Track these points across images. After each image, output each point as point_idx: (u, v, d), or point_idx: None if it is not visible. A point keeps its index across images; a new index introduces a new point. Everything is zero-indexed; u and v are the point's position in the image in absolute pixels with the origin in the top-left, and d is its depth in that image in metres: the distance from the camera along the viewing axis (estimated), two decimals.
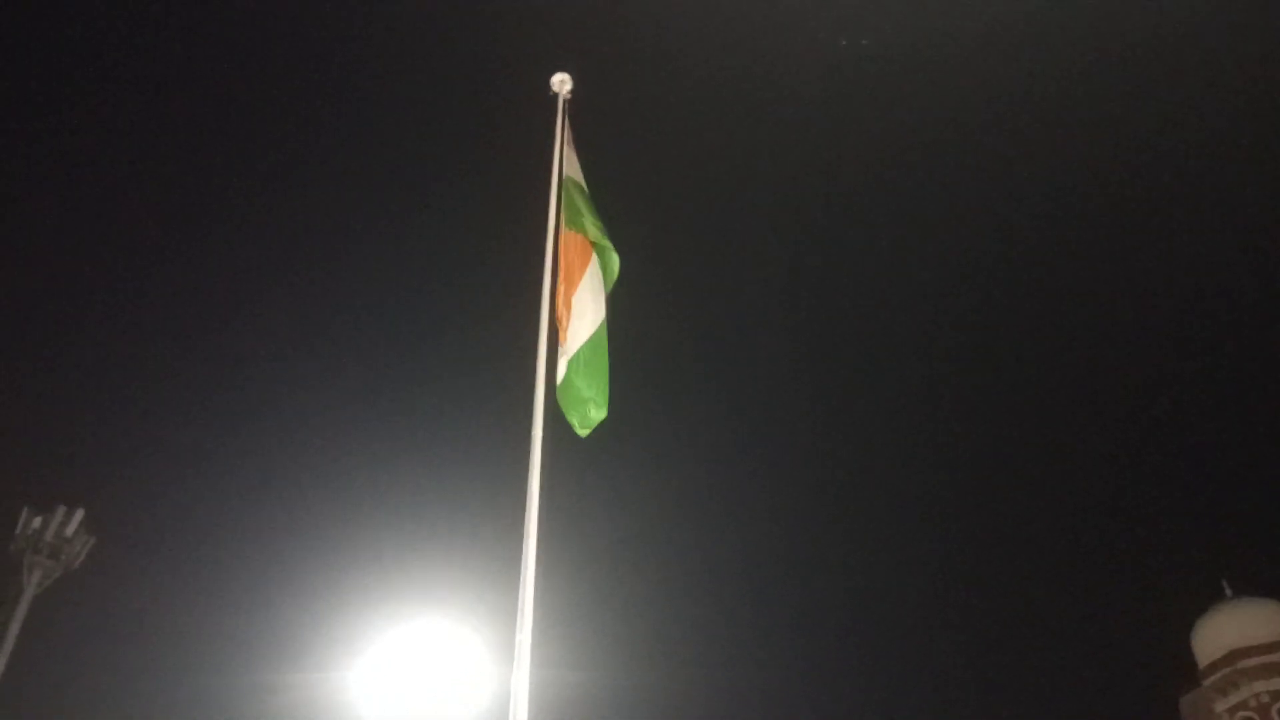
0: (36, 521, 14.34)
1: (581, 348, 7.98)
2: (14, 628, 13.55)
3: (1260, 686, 44.78)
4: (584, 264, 8.35)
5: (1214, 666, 46.55)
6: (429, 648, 12.13)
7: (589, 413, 7.91)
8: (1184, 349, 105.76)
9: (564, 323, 8.05)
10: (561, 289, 8.20)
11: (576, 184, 8.79)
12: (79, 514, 14.90)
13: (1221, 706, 46.09)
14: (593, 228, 8.53)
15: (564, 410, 7.87)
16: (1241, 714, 45.36)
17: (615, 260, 8.44)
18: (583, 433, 7.91)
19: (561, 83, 9.77)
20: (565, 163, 8.90)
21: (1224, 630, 47.21)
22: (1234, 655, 45.74)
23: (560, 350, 7.99)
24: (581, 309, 8.13)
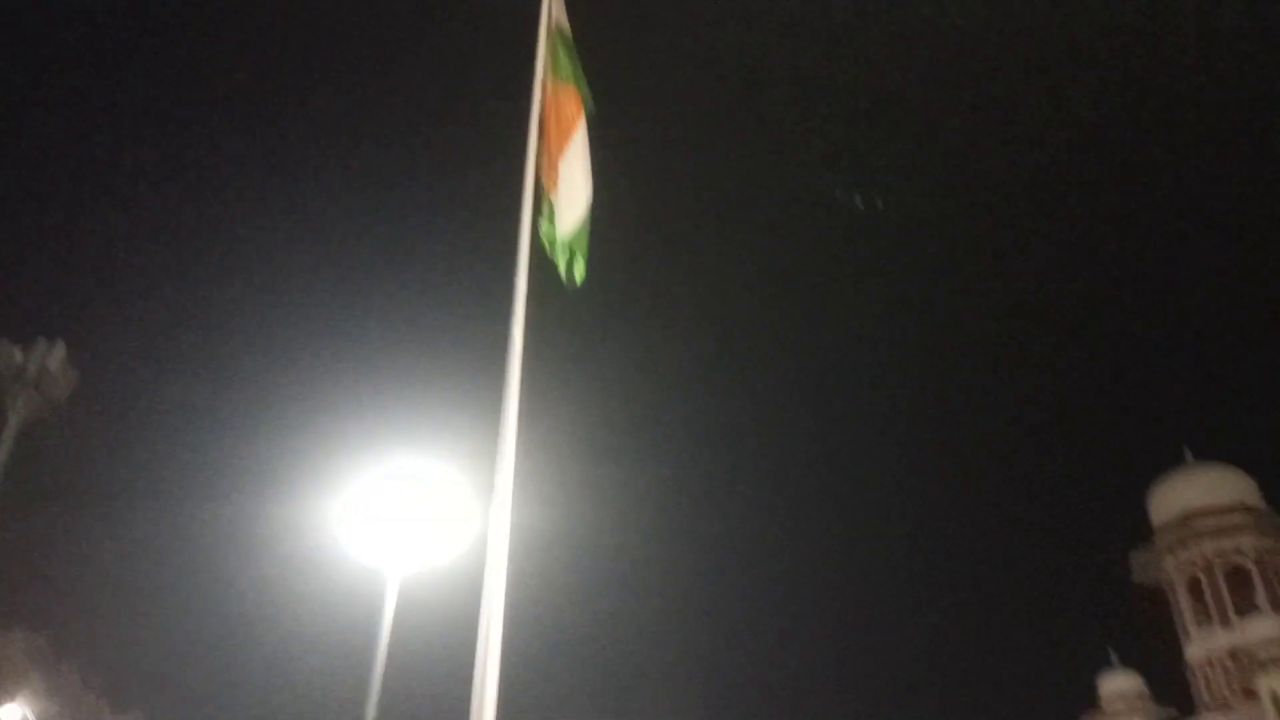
0: (18, 353, 14.15)
1: (569, 208, 7.89)
2: (1, 456, 13.47)
3: (1209, 546, 46.77)
4: (576, 118, 8.16)
5: (1167, 527, 48.48)
6: (413, 484, 12.41)
7: (574, 267, 7.90)
8: (1139, 219, 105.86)
9: (552, 170, 7.92)
10: (550, 136, 8.03)
11: (565, 38, 8.47)
12: (60, 345, 14.72)
13: (1170, 564, 48.27)
14: (582, 85, 8.31)
15: (553, 258, 7.86)
16: (1188, 571, 47.62)
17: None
18: (567, 285, 7.92)
19: None
20: (554, 6, 8.54)
21: (1179, 492, 48.91)
22: (1188, 516, 47.53)
23: (549, 199, 7.90)
24: (571, 170, 7.98)
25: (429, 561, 12.32)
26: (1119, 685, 46.42)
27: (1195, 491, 48.31)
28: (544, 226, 7.85)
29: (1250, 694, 41.21)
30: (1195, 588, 47.34)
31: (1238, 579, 46.08)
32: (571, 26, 8.67)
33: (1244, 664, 40.97)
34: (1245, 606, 45.22)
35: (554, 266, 7.84)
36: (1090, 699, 46.99)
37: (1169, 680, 47.82)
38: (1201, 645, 46.15)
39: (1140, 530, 50.02)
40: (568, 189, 7.93)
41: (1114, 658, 47.67)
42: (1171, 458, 50.79)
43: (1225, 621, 45.07)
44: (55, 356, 14.49)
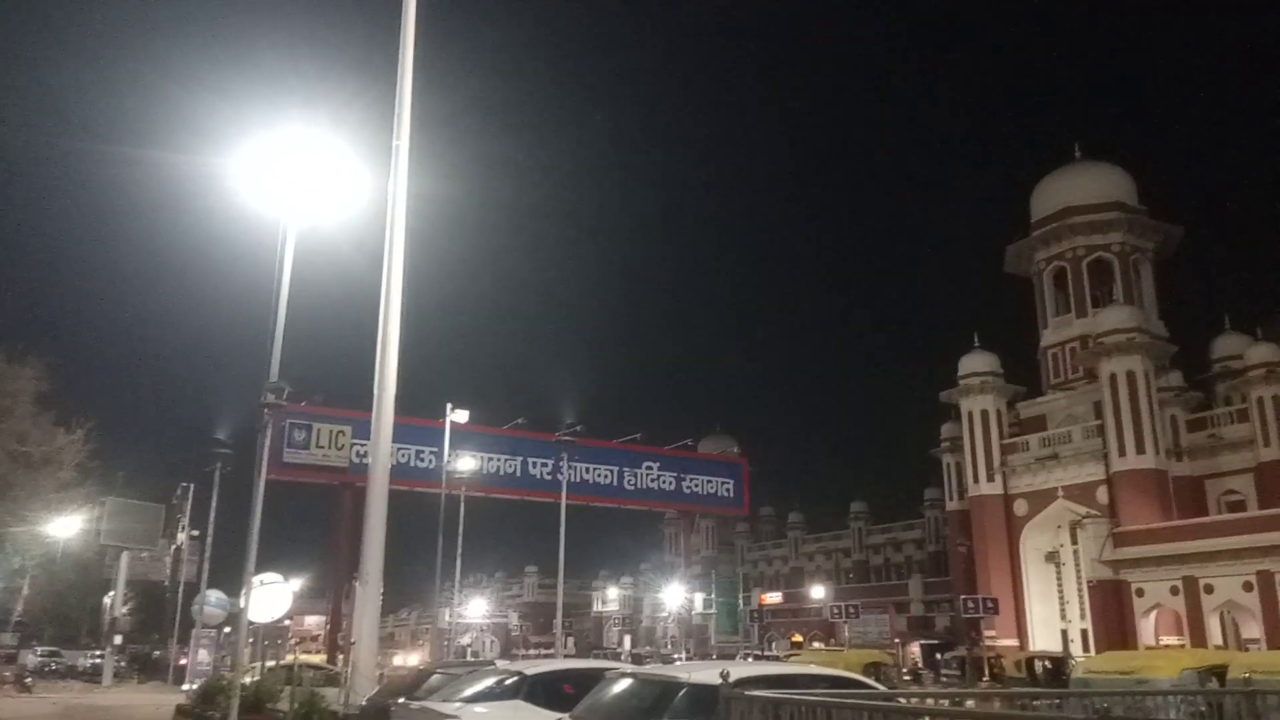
0: None
1: None
2: None
3: (1081, 241, 49.44)
4: None
5: (1045, 220, 50.77)
6: (308, 149, 11.98)
7: None
8: None
9: None
10: None
11: None
12: None
13: (1041, 255, 51.14)
14: None
15: None
16: (1056, 264, 50.64)
17: None
18: None
19: None
20: None
21: (1061, 187, 50.75)
22: (1066, 211, 49.68)
23: None
24: None
25: (325, 217, 12.24)
26: (975, 364, 50.55)
27: (1075, 188, 50.21)
28: None
29: (1091, 376, 45.62)
30: (1060, 279, 50.64)
31: (1100, 272, 49.36)
32: None
33: (1091, 350, 44.76)
34: (1103, 298, 48.81)
35: None
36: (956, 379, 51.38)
37: (1025, 364, 52.51)
38: (1057, 333, 50.21)
39: (1025, 226, 52.43)
40: None
41: (976, 340, 51.54)
42: (1063, 156, 52.38)
43: (1082, 312, 48.77)
44: None
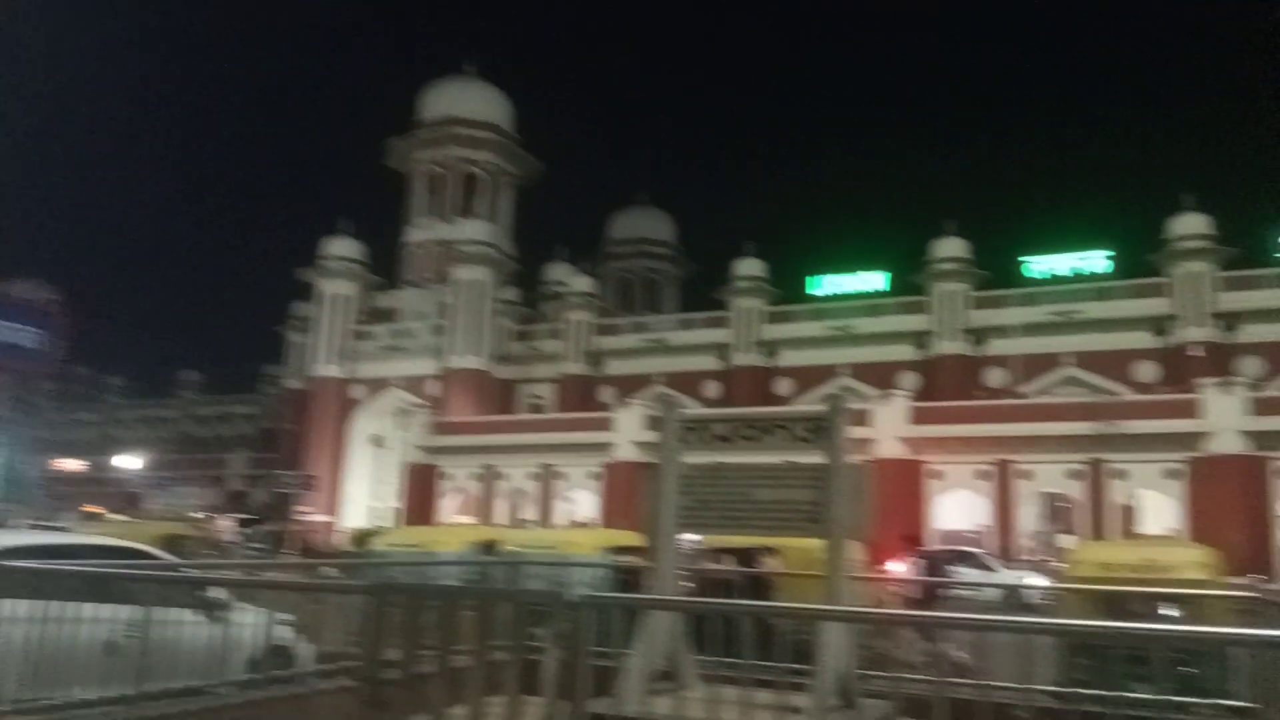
0: None
1: None
2: None
3: (457, 152, 52.00)
4: None
5: (429, 124, 52.47)
6: None
7: None
8: None
9: None
10: None
11: None
12: None
13: (420, 156, 52.76)
14: None
15: None
16: (432, 168, 52.63)
17: None
18: None
19: None
20: None
21: (449, 97, 52.89)
22: (449, 121, 51.84)
23: None
24: None
25: None
26: (339, 248, 50.67)
27: (460, 101, 52.68)
28: None
29: (444, 279, 48.65)
30: (434, 183, 52.87)
31: (469, 185, 52.65)
32: None
33: (448, 254, 47.79)
34: (467, 210, 52.23)
35: None
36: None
37: (390, 257, 53.76)
38: (421, 232, 52.45)
39: (412, 124, 53.40)
40: None
41: (346, 227, 51.55)
42: (451, 70, 54.38)
43: (446, 218, 51.59)
44: None
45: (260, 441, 65.70)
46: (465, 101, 52.62)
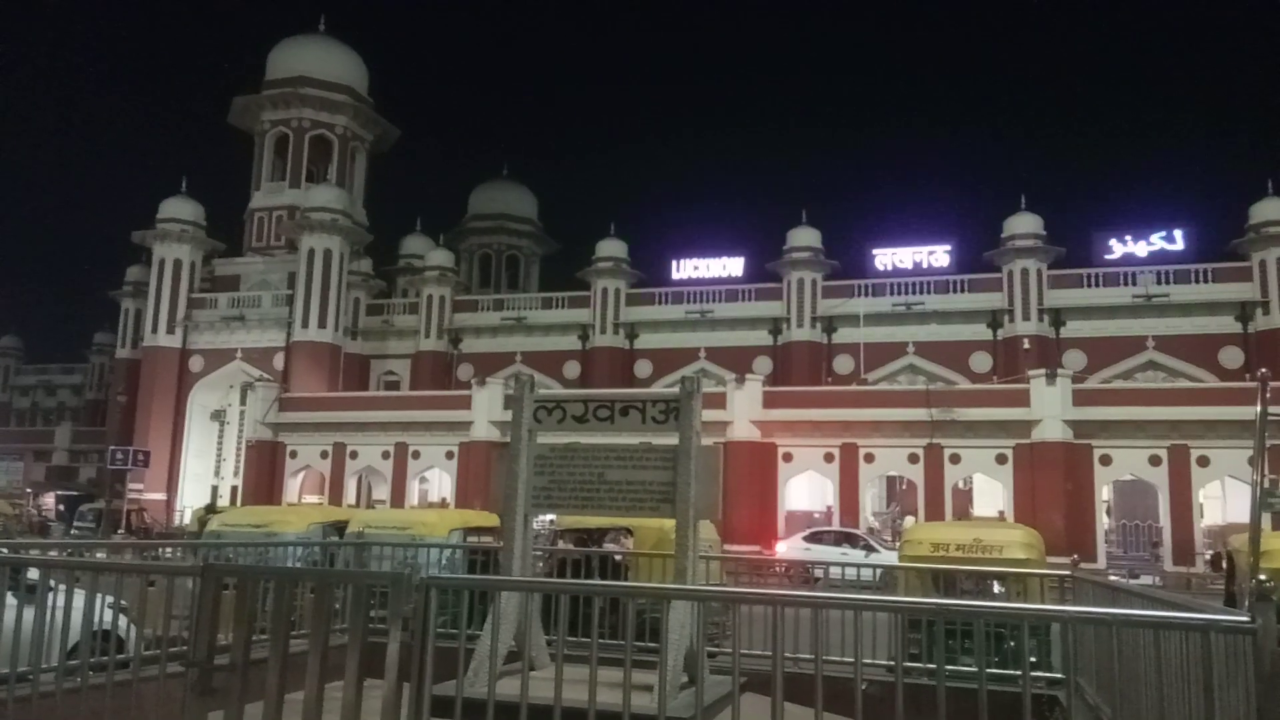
0: None
1: None
2: None
3: (308, 114, 49.92)
4: None
5: (277, 83, 50.20)
6: None
7: None
8: None
9: None
10: None
11: None
12: None
13: (268, 117, 50.35)
14: None
15: None
16: (280, 129, 50.33)
17: None
18: None
19: None
20: None
21: (300, 55, 50.80)
22: (299, 80, 49.68)
23: None
24: None
25: None
26: (177, 210, 48.12)
27: (313, 60, 50.59)
28: None
29: (292, 247, 46.76)
30: (282, 145, 50.59)
31: (320, 149, 50.67)
32: None
33: (297, 221, 45.87)
34: (318, 175, 50.29)
35: None
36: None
37: (232, 221, 51.20)
38: (268, 197, 50.18)
39: (260, 83, 50.96)
40: None
41: (184, 186, 48.92)
42: (302, 28, 52.25)
43: (296, 183, 49.52)
44: None
45: (89, 414, 61.71)
46: (318, 61, 50.56)
